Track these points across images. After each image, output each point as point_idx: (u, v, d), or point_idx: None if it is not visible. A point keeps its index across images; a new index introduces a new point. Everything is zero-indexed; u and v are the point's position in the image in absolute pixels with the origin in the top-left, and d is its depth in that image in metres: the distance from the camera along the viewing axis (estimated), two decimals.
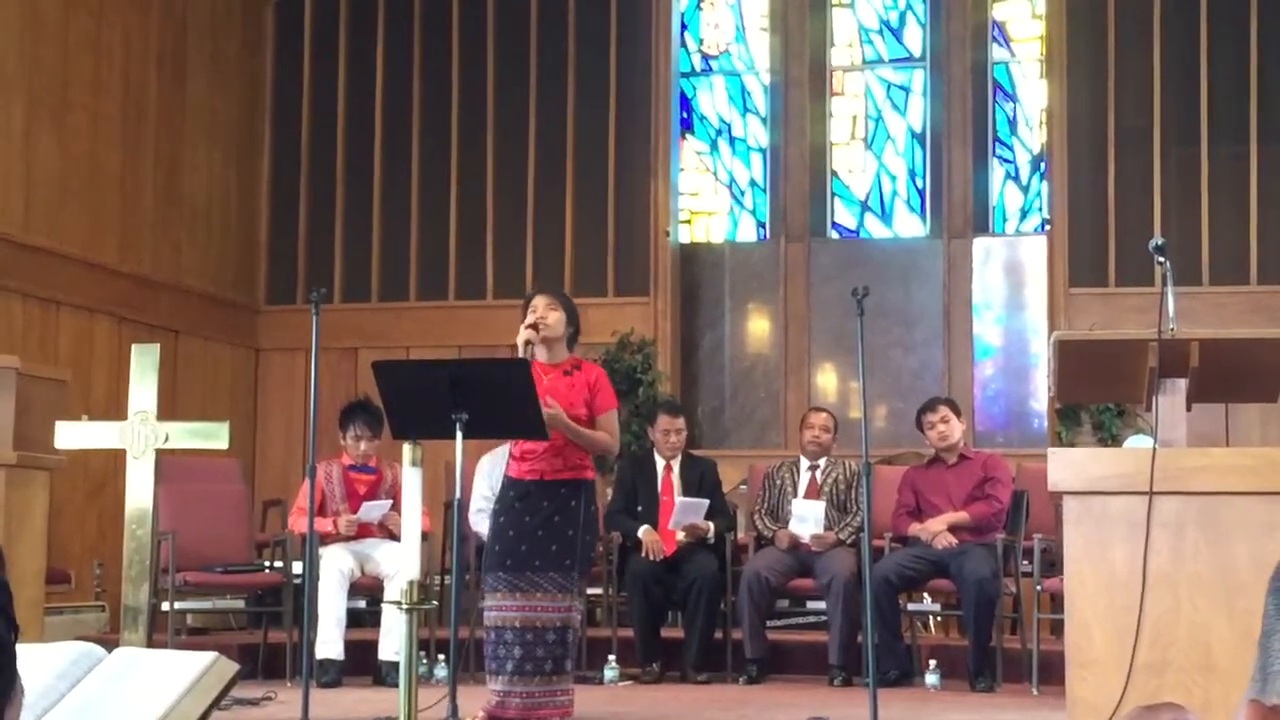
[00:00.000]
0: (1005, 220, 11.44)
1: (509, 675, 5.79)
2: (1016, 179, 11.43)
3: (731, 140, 11.82)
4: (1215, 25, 10.69)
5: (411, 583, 4.99)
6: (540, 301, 6.00)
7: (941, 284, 11.31)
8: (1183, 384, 5.13)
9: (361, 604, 8.03)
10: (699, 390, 11.58)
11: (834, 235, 11.66)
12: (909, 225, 11.58)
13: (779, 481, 8.34)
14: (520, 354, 5.80)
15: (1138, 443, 8.81)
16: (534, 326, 5.87)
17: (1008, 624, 8.11)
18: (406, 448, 5.13)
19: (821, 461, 8.29)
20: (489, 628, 5.90)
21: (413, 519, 5.06)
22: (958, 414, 8.11)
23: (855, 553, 7.81)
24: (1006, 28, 11.55)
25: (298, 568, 7.76)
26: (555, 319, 5.95)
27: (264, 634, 8.22)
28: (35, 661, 3.95)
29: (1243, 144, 10.59)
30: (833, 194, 11.68)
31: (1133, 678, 4.76)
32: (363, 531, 7.92)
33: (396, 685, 5.13)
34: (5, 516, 6.58)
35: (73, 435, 6.73)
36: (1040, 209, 11.28)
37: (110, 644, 4.87)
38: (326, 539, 7.80)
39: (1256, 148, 10.57)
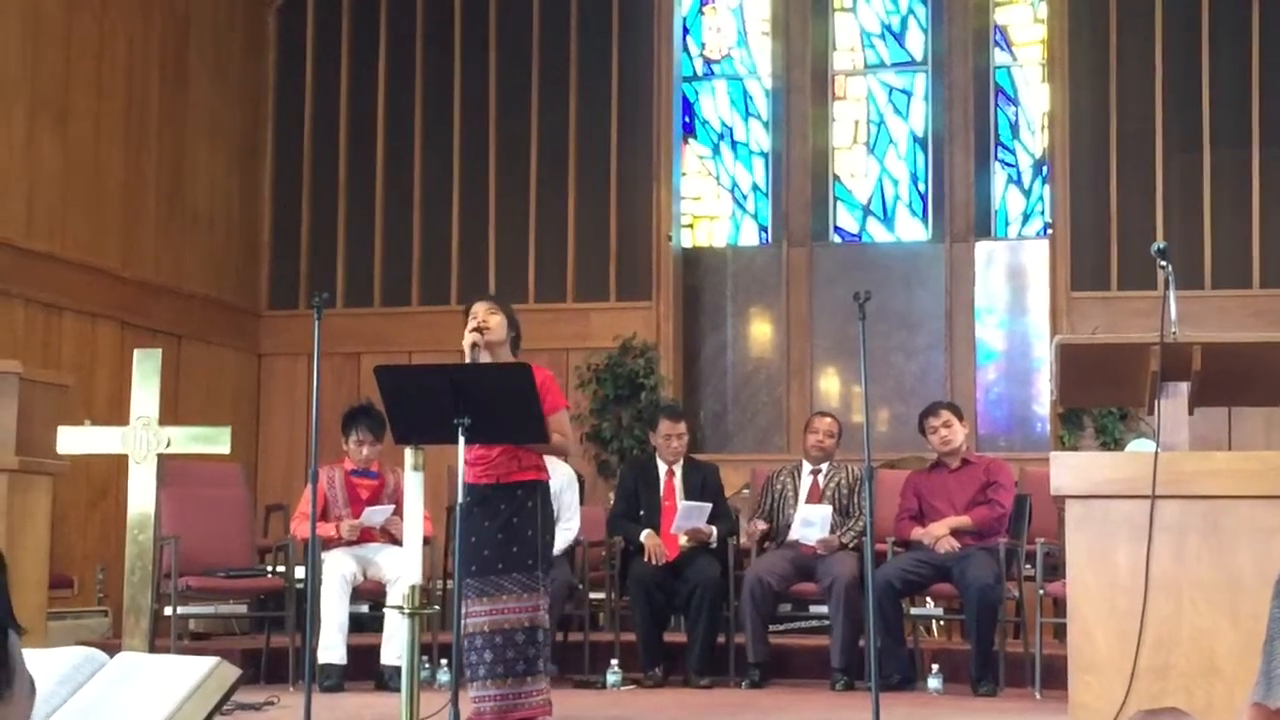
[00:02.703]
0: (1007, 224, 11.44)
1: (482, 680, 5.81)
2: (1018, 183, 11.43)
3: (734, 144, 11.82)
4: (1217, 29, 10.69)
5: (414, 587, 5.00)
6: (480, 307, 6.08)
7: (944, 288, 11.31)
8: (1185, 388, 5.13)
9: (364, 609, 8.04)
10: (701, 395, 11.58)
11: (836, 239, 11.66)
12: (911, 229, 11.58)
13: (779, 485, 8.34)
14: (467, 358, 5.86)
15: (1140, 447, 8.78)
16: (478, 330, 5.94)
17: (1010, 628, 8.10)
18: (408, 452, 5.13)
19: (824, 466, 8.29)
20: (463, 636, 5.90)
21: (415, 524, 5.06)
22: (960, 418, 8.11)
23: (858, 557, 7.80)
24: (1008, 32, 11.55)
25: (300, 572, 7.76)
26: (496, 322, 6.02)
27: (266, 639, 8.21)
28: (37, 667, 3.95)
29: (1244, 148, 10.59)
30: (835, 198, 11.68)
31: (1135, 682, 4.76)
32: (365, 536, 7.92)
33: (399, 690, 5.13)
34: (8, 522, 6.59)
35: (75, 440, 6.73)
36: (1042, 213, 11.28)
37: (112, 649, 4.87)
38: (329, 544, 7.80)
39: (1258, 151, 10.57)
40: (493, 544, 5.85)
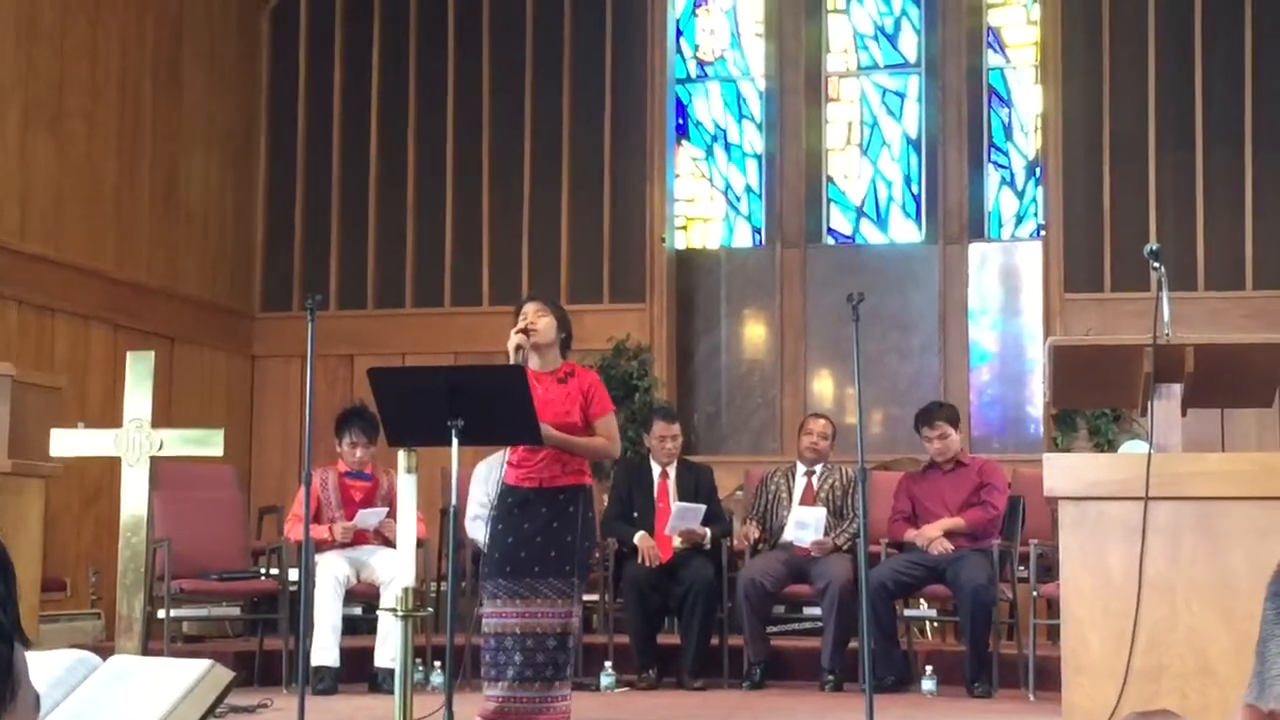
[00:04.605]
0: (1001, 226, 11.44)
1: (509, 681, 5.79)
2: (1012, 184, 11.44)
3: (727, 146, 11.82)
4: (1210, 30, 10.69)
5: (407, 589, 5.00)
6: (530, 308, 6.00)
7: (937, 290, 11.31)
8: (1178, 389, 5.14)
9: (357, 611, 8.03)
10: (695, 396, 11.58)
11: (830, 241, 11.66)
12: (905, 231, 11.58)
13: (773, 487, 8.34)
14: (511, 359, 5.79)
15: (1133, 448, 8.81)
16: (524, 331, 5.87)
17: (1004, 629, 8.11)
18: (401, 454, 5.12)
19: (818, 468, 8.30)
20: (488, 634, 5.89)
21: (408, 526, 5.06)
22: (955, 426, 8.10)
23: (851, 559, 7.81)
24: (1001, 33, 11.56)
25: (293, 575, 7.76)
26: (545, 324, 5.94)
27: (259, 641, 8.21)
28: (30, 669, 3.94)
29: (1238, 149, 10.60)
30: (828, 200, 11.68)
31: (1129, 683, 4.76)
32: (358, 538, 7.92)
33: (392, 692, 5.13)
34: (1, 524, 6.58)
35: (68, 443, 6.72)
36: (1036, 214, 11.29)
37: (106, 651, 4.86)
38: (322, 546, 7.80)
39: (1251, 153, 10.58)
40: (530, 546, 5.82)
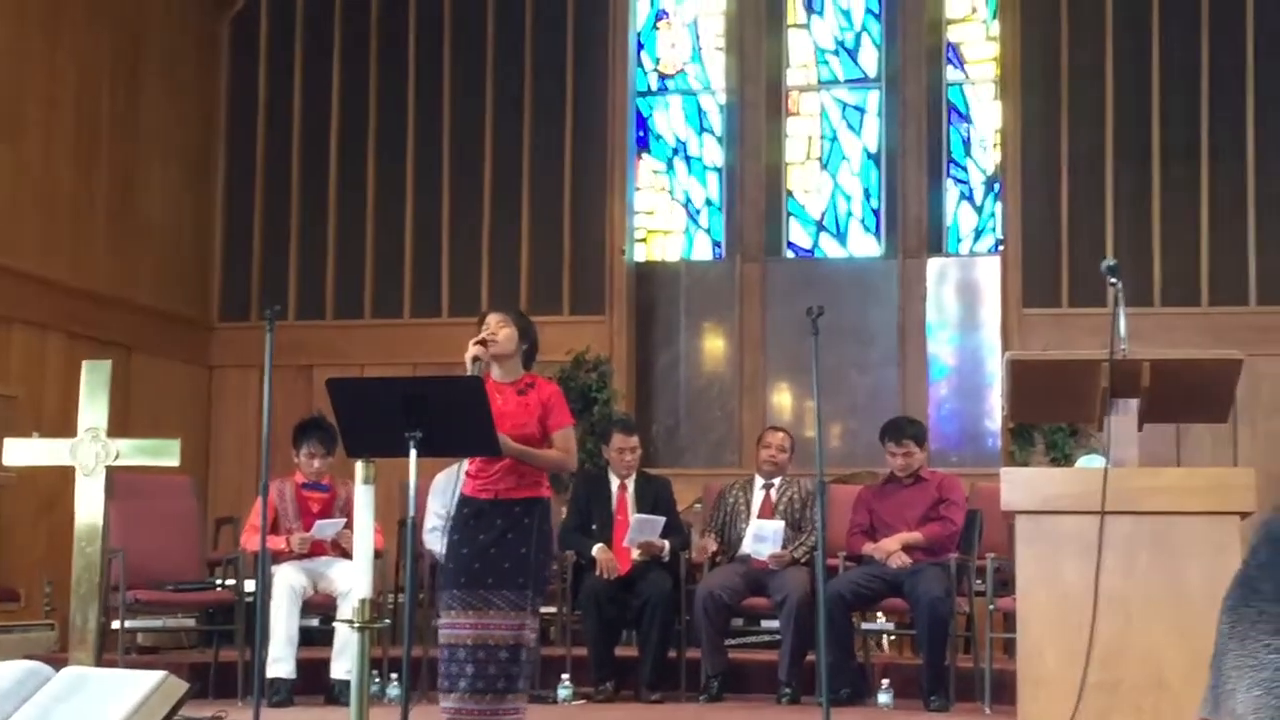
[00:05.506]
0: (959, 240, 11.49)
1: (461, 693, 5.77)
2: (970, 199, 11.49)
3: (688, 159, 11.84)
4: (1167, 47, 10.77)
5: (364, 601, 4.97)
6: (492, 318, 5.97)
7: (896, 304, 11.35)
8: (1134, 404, 5.17)
9: (314, 622, 7.99)
10: (654, 409, 11.58)
11: (789, 255, 11.69)
12: (864, 245, 11.62)
13: (731, 500, 8.35)
14: (469, 370, 5.76)
15: (1090, 463, 8.82)
16: (483, 342, 5.84)
17: (961, 643, 8.13)
18: (359, 465, 5.09)
19: (776, 480, 8.30)
20: (442, 645, 5.87)
21: (365, 537, 5.03)
22: (922, 446, 8.11)
23: (809, 571, 7.81)
24: (961, 49, 11.61)
25: (250, 586, 7.72)
26: (506, 335, 5.90)
27: (215, 653, 8.16)
28: None
29: (1194, 165, 10.67)
30: (788, 213, 11.71)
31: (1084, 697, 4.78)
32: (315, 549, 7.88)
33: (348, 704, 5.10)
34: None
35: (23, 452, 6.67)
36: (994, 229, 11.34)
37: (60, 663, 4.83)
38: (279, 557, 7.75)
39: (1208, 169, 10.66)
40: (485, 558, 5.78)
